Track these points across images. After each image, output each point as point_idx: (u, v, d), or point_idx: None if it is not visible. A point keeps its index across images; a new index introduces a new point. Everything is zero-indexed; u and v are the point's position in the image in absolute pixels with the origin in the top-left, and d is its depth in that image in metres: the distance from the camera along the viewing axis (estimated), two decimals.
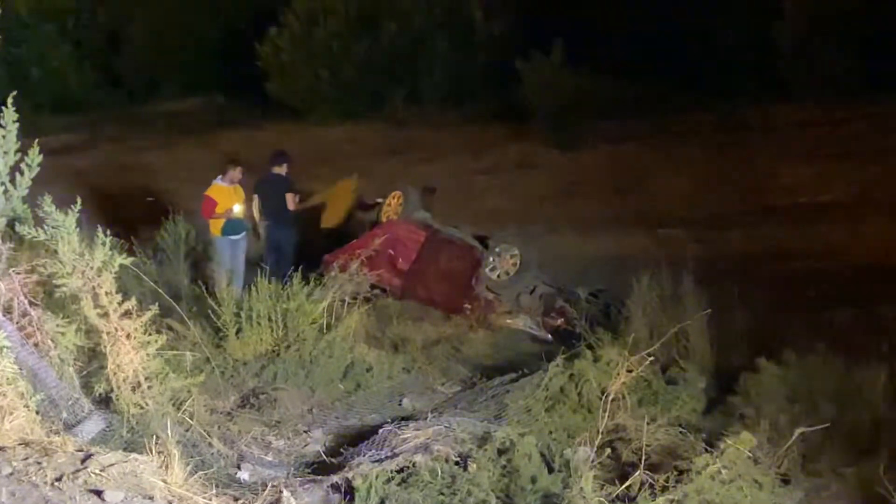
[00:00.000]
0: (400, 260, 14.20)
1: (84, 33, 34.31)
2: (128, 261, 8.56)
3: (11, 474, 6.23)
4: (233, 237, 14.35)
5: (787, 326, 10.52)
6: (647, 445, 8.16)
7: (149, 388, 8.33)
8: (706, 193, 18.50)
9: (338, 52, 29.02)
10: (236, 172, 14.46)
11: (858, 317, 10.91)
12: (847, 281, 13.15)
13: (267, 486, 7.61)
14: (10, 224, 8.53)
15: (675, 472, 7.62)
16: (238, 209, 14.17)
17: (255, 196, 14.79)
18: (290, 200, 14.82)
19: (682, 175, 19.72)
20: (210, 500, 6.34)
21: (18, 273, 8.39)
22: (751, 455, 7.57)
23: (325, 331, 11.33)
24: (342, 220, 15.76)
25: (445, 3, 29.98)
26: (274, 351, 11.07)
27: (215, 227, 14.36)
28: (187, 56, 32.91)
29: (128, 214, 17.01)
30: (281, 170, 15.06)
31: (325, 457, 9.02)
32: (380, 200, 15.54)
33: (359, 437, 9.27)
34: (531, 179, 20.24)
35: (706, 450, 7.95)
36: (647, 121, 24.04)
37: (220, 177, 14.59)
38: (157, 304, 8.92)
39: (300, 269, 11.82)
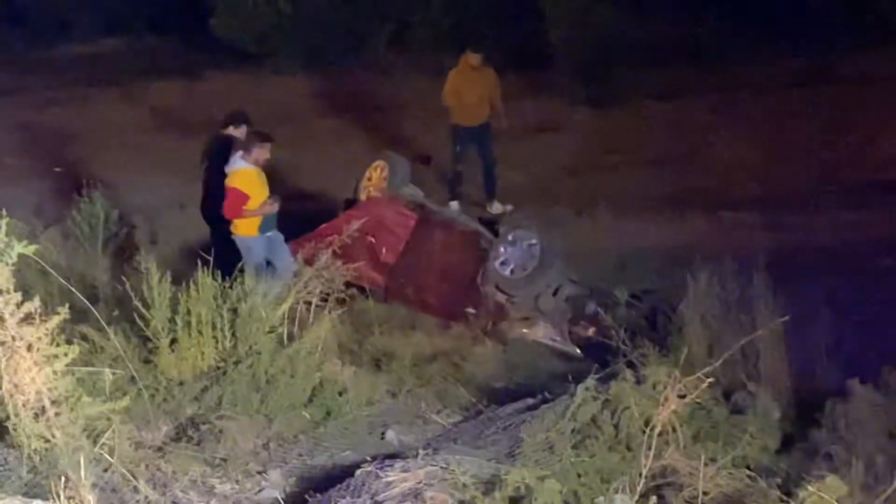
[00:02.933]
0: (384, 250, 14.17)
1: None
2: (30, 249, 8.57)
3: None
4: (269, 234, 13.94)
5: (888, 339, 10.51)
6: (704, 493, 8.20)
7: (56, 415, 8.35)
8: (782, 166, 18.55)
9: None
10: (265, 150, 13.82)
11: None
12: None
13: None
14: None
15: None
16: (274, 202, 13.94)
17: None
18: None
19: (749, 141, 19.78)
20: None
21: None
22: None
23: (285, 342, 11.36)
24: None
25: None
26: (219, 368, 11.07)
27: (247, 225, 13.90)
28: None
29: (30, 188, 17.05)
30: (234, 129, 14.74)
31: None
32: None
33: (329, 481, 9.29)
34: (554, 146, 20.32)
35: (781, 499, 7.98)
36: (705, 70, 24.09)
37: (240, 154, 13.90)
38: (67, 305, 8.94)
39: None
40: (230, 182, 13.57)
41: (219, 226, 14.24)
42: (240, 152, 13.81)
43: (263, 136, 13.87)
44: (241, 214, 13.55)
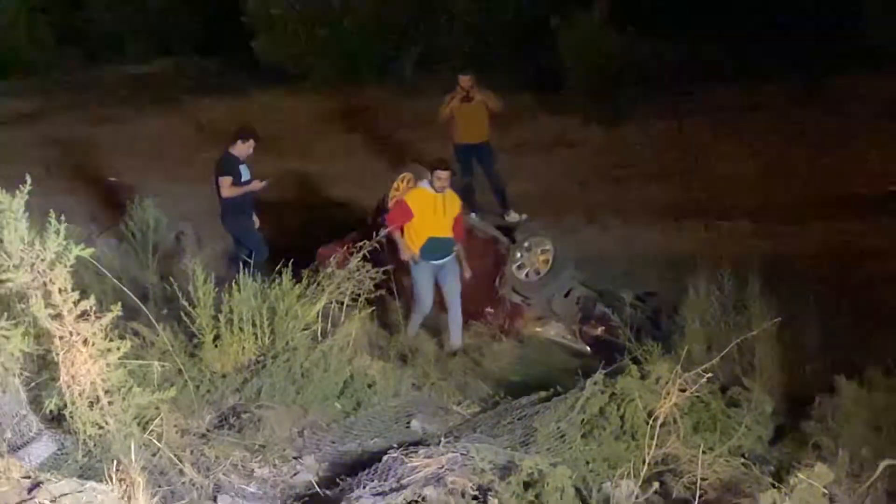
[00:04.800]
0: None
1: None
2: (86, 252, 8.60)
3: None
4: (435, 262, 13.40)
5: (873, 339, 10.50)
6: (702, 479, 8.20)
7: (109, 403, 8.37)
8: (778, 179, 18.53)
9: (338, 8, 29.17)
10: (444, 177, 13.31)
11: None
12: None
13: None
14: None
15: None
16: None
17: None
18: (226, 189, 14.44)
19: (745, 157, 19.78)
20: None
21: None
22: (827, 492, 7.58)
23: (319, 338, 11.37)
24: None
25: None
26: (259, 362, 11.08)
27: (412, 244, 13.59)
28: (158, 10, 33.10)
29: (87, 197, 17.10)
30: (236, 148, 14.57)
31: (318, 488, 9.05)
32: None
33: (358, 466, 9.29)
34: (567, 160, 20.30)
35: (773, 485, 7.97)
36: (707, 91, 24.08)
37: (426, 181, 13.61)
38: (120, 304, 8.97)
39: (291, 263, 11.88)
40: (405, 197, 13.61)
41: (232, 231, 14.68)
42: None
43: (443, 160, 13.65)
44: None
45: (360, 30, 28.83)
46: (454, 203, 13.04)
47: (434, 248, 12.89)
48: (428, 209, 12.86)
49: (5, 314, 8.47)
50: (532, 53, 25.38)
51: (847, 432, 9.12)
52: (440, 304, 13.74)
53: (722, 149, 20.40)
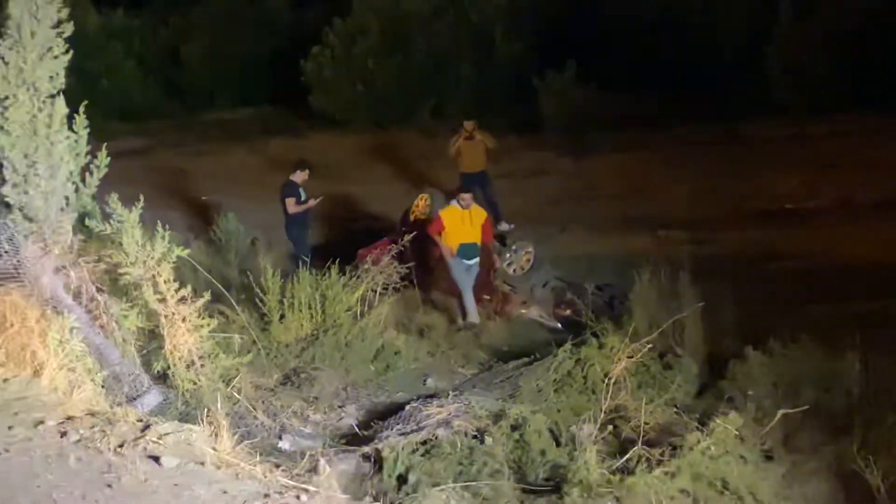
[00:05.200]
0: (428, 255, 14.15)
1: (147, 50, 34.59)
2: (184, 253, 8.66)
3: (79, 441, 6.30)
4: (468, 261, 13.31)
5: (774, 319, 10.51)
6: (644, 423, 8.21)
7: (201, 366, 8.41)
8: (703, 198, 18.45)
9: (373, 69, 29.12)
10: (468, 198, 13.27)
11: (837, 311, 10.88)
12: (828, 279, 13.10)
13: (305, 454, 7.66)
14: (81, 218, 8.64)
15: (670, 448, 7.65)
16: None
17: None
18: (292, 206, 14.67)
19: (681, 182, 19.68)
20: (254, 466, 6.39)
21: (87, 262, 8.49)
22: (738, 433, 7.59)
23: (358, 317, 11.39)
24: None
25: (469, 26, 30.16)
26: (313, 335, 11.13)
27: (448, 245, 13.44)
28: (239, 71, 33.12)
29: (185, 212, 17.10)
30: (296, 176, 14.81)
31: (357, 430, 9.09)
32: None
33: (387, 413, 9.33)
34: (544, 184, 20.21)
35: (698, 428, 7.97)
36: (650, 132, 24.00)
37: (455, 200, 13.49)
38: (209, 291, 9.01)
39: (337, 261, 11.90)
40: (440, 212, 13.56)
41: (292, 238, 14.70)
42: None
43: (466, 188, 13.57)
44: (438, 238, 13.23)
45: (388, 87, 28.87)
46: (480, 215, 13.09)
47: (464, 252, 12.91)
48: (457, 222, 12.89)
49: (124, 298, 8.51)
50: (518, 104, 25.34)
51: (753, 389, 9.13)
52: (452, 289, 13.73)
53: (662, 176, 20.33)
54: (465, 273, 13.04)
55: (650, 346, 9.47)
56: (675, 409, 9.08)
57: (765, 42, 25.89)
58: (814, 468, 8.01)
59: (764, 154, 21.62)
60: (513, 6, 31.37)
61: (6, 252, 8.37)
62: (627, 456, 7.58)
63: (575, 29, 28.74)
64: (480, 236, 13.06)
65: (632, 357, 9.17)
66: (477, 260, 13.24)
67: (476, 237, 12.97)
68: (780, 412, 8.21)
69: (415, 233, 13.78)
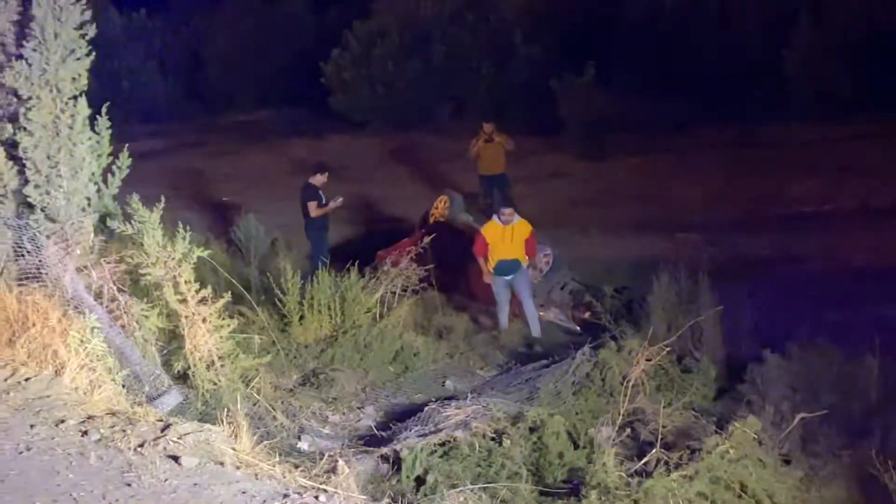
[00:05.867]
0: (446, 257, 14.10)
1: (168, 52, 34.78)
2: (204, 253, 8.67)
3: (99, 440, 6.31)
4: (505, 277, 12.96)
5: (791, 323, 10.45)
6: (662, 427, 8.16)
7: (221, 366, 8.42)
8: (720, 202, 18.44)
9: (393, 72, 29.21)
10: (508, 213, 12.83)
11: (855, 315, 10.83)
12: (845, 283, 13.05)
13: (324, 455, 7.67)
14: (102, 219, 8.67)
15: (688, 451, 7.63)
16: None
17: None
18: (312, 209, 14.60)
19: (698, 185, 19.67)
20: (273, 466, 6.39)
21: (108, 263, 8.51)
22: (756, 437, 7.55)
23: (378, 319, 11.40)
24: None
25: (488, 28, 30.20)
26: (332, 336, 11.15)
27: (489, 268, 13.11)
28: (259, 73, 33.21)
29: (205, 212, 17.14)
30: (315, 179, 14.75)
31: (375, 431, 9.08)
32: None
33: (406, 414, 9.32)
34: (563, 187, 20.22)
35: (716, 432, 7.95)
36: (667, 136, 24.03)
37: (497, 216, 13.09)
38: (229, 292, 9.01)
39: (356, 263, 11.91)
40: (481, 229, 13.18)
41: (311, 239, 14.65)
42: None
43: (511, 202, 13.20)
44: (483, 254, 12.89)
45: (408, 89, 28.91)
46: (523, 229, 12.66)
47: (502, 268, 12.56)
48: (497, 238, 12.55)
49: (145, 299, 8.53)
50: (537, 107, 25.31)
51: (771, 393, 9.08)
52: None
53: (679, 179, 20.33)
54: (503, 289, 12.84)
55: (668, 349, 9.47)
56: (693, 413, 9.05)
57: (783, 47, 25.90)
58: (832, 472, 7.97)
59: (781, 158, 21.60)
60: (532, 8, 31.46)
61: (28, 252, 8.41)
62: (646, 459, 7.55)
63: (594, 32, 28.78)
64: (522, 251, 12.76)
65: (650, 360, 9.16)
66: (520, 271, 12.82)
67: (516, 253, 12.59)
68: (799, 416, 8.18)
69: (434, 234, 13.79)
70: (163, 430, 6.48)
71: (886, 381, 8.81)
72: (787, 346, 9.57)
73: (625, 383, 8.88)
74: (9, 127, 8.41)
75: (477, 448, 7.90)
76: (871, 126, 23.06)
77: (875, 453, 7.48)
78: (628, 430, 8.44)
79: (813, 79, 25.39)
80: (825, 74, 25.29)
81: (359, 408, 9.81)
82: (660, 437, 7.94)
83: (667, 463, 7.45)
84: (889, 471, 7.08)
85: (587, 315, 13.30)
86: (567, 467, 7.74)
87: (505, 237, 12.47)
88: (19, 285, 7.98)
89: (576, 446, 7.98)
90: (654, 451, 7.63)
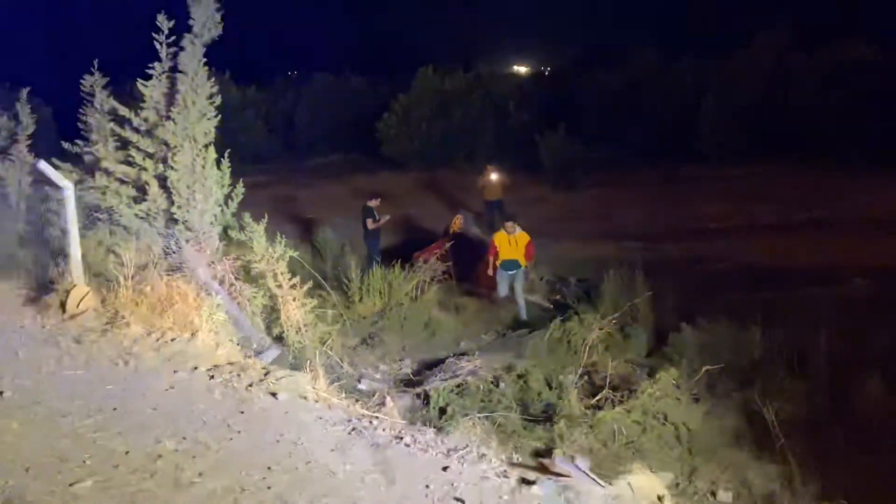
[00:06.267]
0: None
1: (270, 114, 34.98)
2: (294, 253, 8.72)
3: (221, 381, 6.37)
4: (508, 272, 12.43)
5: (701, 304, 10.44)
6: (610, 374, 8.18)
7: (305, 331, 8.46)
8: (652, 220, 18.39)
9: (424, 129, 29.41)
10: (511, 226, 12.54)
11: (744, 299, 10.79)
12: (738, 276, 13.01)
13: (376, 393, 7.70)
14: (224, 230, 8.72)
15: (628, 392, 7.64)
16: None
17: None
18: (369, 223, 14.50)
19: (638, 208, 19.65)
20: (341, 400, 6.43)
21: (228, 260, 8.56)
22: (675, 382, 7.56)
23: (414, 299, 11.44)
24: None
25: (492, 100, 30.69)
26: (382, 311, 11.20)
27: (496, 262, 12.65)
28: (332, 129, 33.50)
29: (296, 226, 17.18)
30: (371, 202, 14.65)
31: (412, 376, 9.11)
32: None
33: (433, 365, 9.35)
34: (542, 209, 20.14)
35: (647, 378, 7.95)
36: (617, 174, 24.05)
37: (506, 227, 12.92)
38: (311, 280, 9.07)
39: (399, 260, 11.96)
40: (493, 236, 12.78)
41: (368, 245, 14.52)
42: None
43: (511, 217, 12.86)
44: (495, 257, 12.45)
45: (435, 141, 29.10)
46: (522, 238, 12.31)
47: (506, 265, 12.25)
48: (504, 243, 12.29)
49: (253, 285, 8.59)
50: (525, 153, 25.30)
51: (686, 352, 9.07)
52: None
53: (624, 204, 20.30)
54: (504, 280, 12.67)
55: (614, 321, 9.48)
56: (631, 365, 9.05)
57: (696, 110, 26.07)
58: (728, 407, 7.96)
59: (695, 189, 21.69)
60: (521, 87, 32.04)
61: (173, 252, 8.48)
62: (598, 397, 7.58)
63: (564, 103, 29.30)
64: (522, 254, 12.57)
65: (602, 329, 9.18)
66: (518, 270, 12.40)
67: (517, 255, 12.29)
68: (704, 369, 8.18)
69: (453, 241, 13.81)
70: (265, 375, 6.53)
71: (765, 344, 8.79)
72: (697, 320, 9.58)
73: (584, 345, 8.90)
74: (161, 166, 8.50)
75: (481, 388, 7.94)
76: (759, 167, 23.18)
77: (757, 395, 7.47)
78: (586, 377, 8.45)
79: (718, 135, 25.73)
80: (726, 132, 25.57)
81: (400, 360, 9.85)
82: (608, 382, 7.97)
83: (613, 400, 7.47)
84: (766, 406, 7.07)
85: (559, 297, 13.28)
86: (544, 402, 7.76)
87: (511, 243, 12.40)
88: (168, 275, 8.05)
89: (550, 388, 8.00)
90: (604, 391, 7.66)
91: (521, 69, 42.25)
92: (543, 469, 5.14)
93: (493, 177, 18.22)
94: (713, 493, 6.72)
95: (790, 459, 6.66)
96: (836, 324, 8.75)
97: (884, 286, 11.29)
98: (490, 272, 12.56)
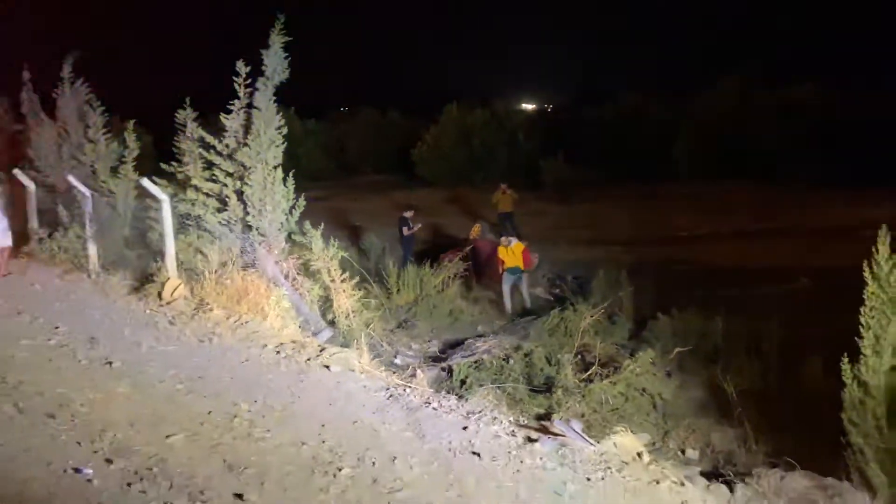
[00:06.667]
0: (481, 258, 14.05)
1: (327, 141, 35.21)
2: (345, 254, 8.75)
3: (286, 356, 6.41)
4: (512, 276, 12.13)
5: (674, 298, 10.35)
6: (599, 354, 8.14)
7: (353, 316, 8.49)
8: (634, 229, 18.25)
9: (450, 154, 29.44)
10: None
11: (710, 294, 10.69)
12: (705, 276, 12.87)
13: (409, 367, 7.71)
14: (289, 235, 8.77)
15: (614, 368, 7.59)
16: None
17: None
18: (405, 231, 14.39)
19: (623, 219, 19.52)
20: (381, 372, 6.46)
21: (292, 258, 8.61)
22: (652, 361, 7.50)
23: (441, 292, 11.43)
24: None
25: (504, 131, 30.62)
26: (415, 301, 11.19)
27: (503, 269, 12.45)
28: (377, 153, 33.72)
29: (345, 231, 17.24)
30: (407, 213, 14.57)
31: (439, 354, 9.12)
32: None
33: (455, 345, 9.35)
34: (545, 220, 20.08)
35: (630, 357, 7.90)
36: (606, 191, 23.91)
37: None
38: (358, 276, 9.09)
39: (429, 261, 11.95)
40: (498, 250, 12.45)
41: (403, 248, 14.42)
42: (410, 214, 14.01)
43: (517, 236, 12.81)
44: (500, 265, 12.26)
45: (460, 164, 29.20)
46: (518, 247, 12.04)
47: (510, 271, 12.02)
48: (506, 255, 12.04)
49: (312, 279, 8.62)
50: (531, 175, 25.32)
51: (662, 337, 9.01)
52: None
53: (611, 215, 20.17)
54: (508, 284, 12.54)
55: (603, 311, 9.42)
56: (617, 347, 8.99)
57: (672, 139, 26.05)
58: (696, 382, 7.90)
59: (670, 204, 21.51)
60: (529, 120, 31.98)
61: (248, 252, 8.54)
62: (589, 372, 7.53)
63: (564, 133, 29.20)
64: (520, 261, 12.42)
65: (593, 317, 9.13)
66: (519, 275, 12.13)
67: (517, 262, 12.12)
68: (676, 350, 8.14)
69: (472, 246, 13.79)
70: (320, 352, 6.57)
71: (727, 332, 8.71)
72: (671, 311, 9.50)
73: (578, 330, 8.87)
74: (239, 182, 8.57)
75: (494, 364, 7.93)
76: (725, 185, 22.98)
77: (719, 372, 7.41)
78: (580, 356, 8.42)
79: (689, 159, 25.68)
80: (696, 157, 25.54)
81: (429, 341, 9.85)
82: (597, 360, 7.92)
83: (601, 375, 7.43)
84: (727, 381, 7.01)
85: (558, 292, 13.23)
86: (545, 376, 7.74)
87: (510, 253, 12.38)
88: (243, 270, 8.12)
89: (550, 364, 7.97)
90: (594, 367, 7.62)
91: (529, 106, 42.22)
92: (544, 430, 5.15)
93: (505, 193, 18.18)
94: (682, 451, 6.71)
95: (746, 425, 6.61)
96: (784, 315, 8.66)
97: (824, 284, 11.14)
98: (500, 271, 12.55)
